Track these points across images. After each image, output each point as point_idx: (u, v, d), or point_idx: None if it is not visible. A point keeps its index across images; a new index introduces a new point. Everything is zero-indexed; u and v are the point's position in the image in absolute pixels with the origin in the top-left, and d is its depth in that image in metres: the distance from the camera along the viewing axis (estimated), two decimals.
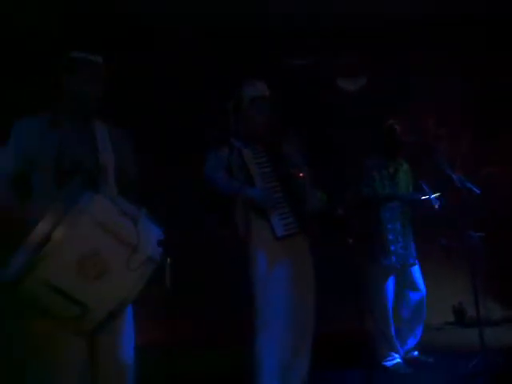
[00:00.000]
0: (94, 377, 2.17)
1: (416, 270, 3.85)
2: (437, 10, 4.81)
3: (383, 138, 3.87)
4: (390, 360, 3.73)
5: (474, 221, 3.61)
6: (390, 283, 3.76)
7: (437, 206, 3.69)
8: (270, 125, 3.08)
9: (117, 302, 1.84)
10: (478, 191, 3.52)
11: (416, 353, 3.88)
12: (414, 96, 5.05)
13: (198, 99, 4.69)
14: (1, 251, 1.93)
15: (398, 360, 3.74)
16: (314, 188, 3.00)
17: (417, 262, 3.82)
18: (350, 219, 3.08)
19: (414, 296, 3.83)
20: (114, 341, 2.19)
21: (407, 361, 3.79)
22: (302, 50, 5.10)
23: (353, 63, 5.26)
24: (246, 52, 4.83)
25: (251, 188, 2.93)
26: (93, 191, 1.91)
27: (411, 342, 3.88)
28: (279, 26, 4.81)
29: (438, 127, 5.11)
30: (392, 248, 3.72)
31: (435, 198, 3.70)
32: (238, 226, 3.03)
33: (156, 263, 1.94)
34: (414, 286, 3.83)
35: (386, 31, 4.99)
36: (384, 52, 5.10)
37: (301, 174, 2.97)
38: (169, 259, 2.08)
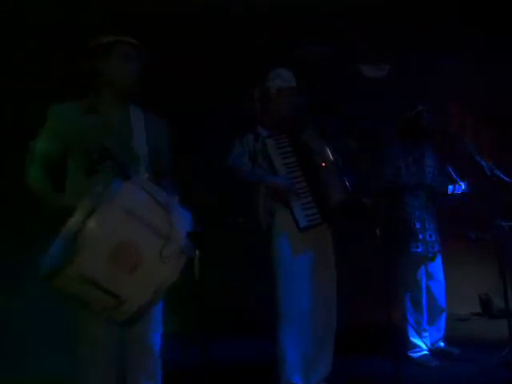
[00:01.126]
0: (123, 362, 2.21)
1: (439, 259, 3.80)
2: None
3: (410, 124, 3.80)
4: (417, 351, 3.69)
5: (503, 210, 3.54)
6: (421, 271, 3.71)
7: (465, 193, 3.63)
8: (296, 115, 3.05)
9: (150, 293, 1.81)
10: (508, 180, 3.44)
11: (442, 344, 3.83)
12: (440, 82, 4.95)
13: (218, 87, 4.66)
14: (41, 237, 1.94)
15: (425, 352, 3.70)
16: (340, 177, 2.94)
17: (436, 250, 3.75)
18: (376, 208, 3.03)
19: (435, 286, 3.79)
20: (142, 328, 2.19)
21: (434, 352, 3.74)
22: (322, 37, 5.04)
23: (375, 50, 5.19)
24: (264, 39, 4.79)
25: (275, 176, 2.91)
26: (123, 179, 1.87)
27: (436, 333, 3.82)
28: (297, 12, 4.75)
29: (464, 115, 5.02)
30: (420, 236, 3.67)
31: (463, 185, 3.64)
32: (261, 215, 3.02)
33: (189, 254, 1.92)
34: (435, 276, 3.79)
35: (409, 15, 4.91)
36: (407, 38, 5.01)
37: (323, 164, 2.93)
38: (197, 251, 2.06)
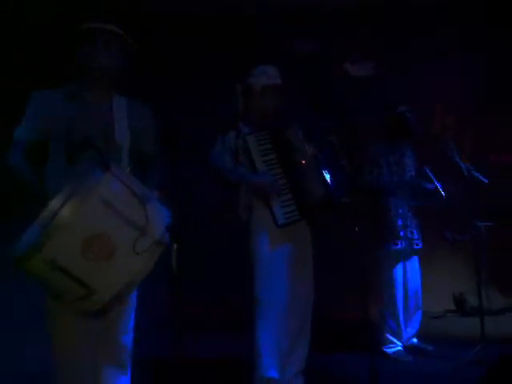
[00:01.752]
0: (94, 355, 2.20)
1: (416, 258, 3.86)
2: None
3: (392, 124, 3.84)
4: (391, 347, 3.75)
5: (480, 210, 3.60)
6: (400, 268, 3.77)
7: (443, 194, 3.67)
8: (279, 112, 3.05)
9: (122, 284, 1.80)
10: (485, 180, 3.50)
11: (415, 340, 3.89)
12: (421, 83, 4.99)
13: (203, 85, 4.65)
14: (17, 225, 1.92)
15: (400, 348, 3.76)
16: (319, 174, 2.95)
17: (419, 247, 3.80)
18: (356, 205, 3.06)
19: (413, 283, 3.84)
20: (113, 320, 2.20)
21: (407, 348, 3.80)
22: (307, 35, 5.04)
23: (360, 49, 5.21)
24: (250, 36, 4.78)
25: (254, 175, 2.91)
26: (102, 169, 1.85)
27: (410, 329, 3.88)
28: (284, 9, 4.75)
29: (446, 115, 5.07)
30: (401, 233, 3.72)
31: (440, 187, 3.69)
32: (241, 211, 3.03)
33: (164, 247, 1.90)
34: (412, 274, 3.84)
35: (393, 16, 4.93)
36: (392, 38, 5.04)
37: (303, 161, 2.94)
38: (175, 244, 2.06)
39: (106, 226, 1.77)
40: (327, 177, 2.92)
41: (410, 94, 4.77)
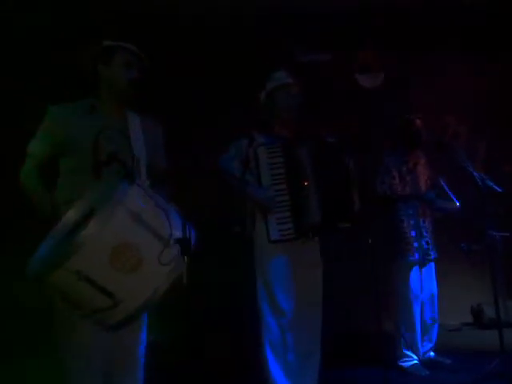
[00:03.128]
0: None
1: (433, 269, 3.81)
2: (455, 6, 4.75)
3: (402, 133, 3.83)
4: (407, 361, 3.68)
5: (495, 220, 3.55)
6: (416, 280, 3.71)
7: (457, 205, 3.64)
8: (290, 115, 3.05)
9: (148, 295, 1.81)
10: (499, 189, 3.46)
11: (433, 354, 3.83)
12: (433, 93, 4.97)
13: (210, 97, 4.67)
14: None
15: (416, 361, 3.69)
16: (321, 198, 2.90)
17: (434, 257, 3.75)
18: (369, 217, 3.03)
19: (428, 294, 3.79)
20: (127, 331, 2.14)
21: (424, 362, 3.73)
22: (317, 46, 5.06)
23: (370, 59, 5.21)
24: (259, 48, 4.80)
25: (256, 188, 2.92)
26: (129, 182, 1.89)
27: (427, 343, 3.82)
28: (293, 20, 4.76)
29: (458, 124, 5.04)
30: (415, 244, 3.68)
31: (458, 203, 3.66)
32: (247, 221, 3.04)
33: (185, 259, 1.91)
34: (428, 286, 3.79)
35: (404, 27, 4.93)
36: (402, 48, 5.04)
37: (306, 183, 2.92)
38: (186, 257, 2.05)
39: (134, 237, 1.80)
40: (328, 202, 2.89)
41: (421, 104, 4.75)
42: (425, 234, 3.71)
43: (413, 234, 3.70)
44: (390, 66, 5.19)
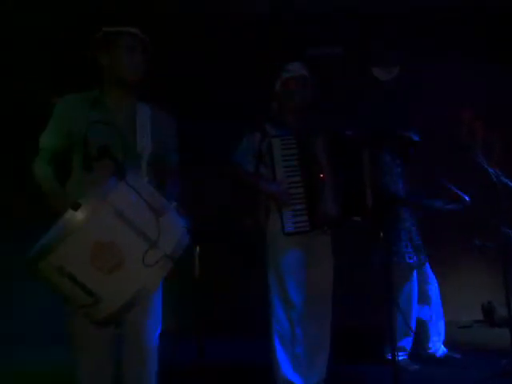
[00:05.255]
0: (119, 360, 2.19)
1: (428, 266, 3.80)
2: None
3: (401, 147, 3.82)
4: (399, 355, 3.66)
5: (509, 217, 3.51)
6: (415, 280, 3.70)
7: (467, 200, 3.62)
8: (303, 106, 3.03)
9: (130, 296, 1.77)
10: None
11: (445, 349, 3.81)
12: (448, 88, 4.92)
13: (224, 94, 4.66)
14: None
15: (405, 357, 3.68)
16: (337, 192, 2.89)
17: (427, 256, 3.75)
18: (372, 219, 3.01)
19: (432, 291, 3.78)
20: (139, 326, 2.18)
21: (437, 358, 3.73)
22: (331, 39, 5.03)
23: (386, 53, 5.17)
24: (271, 41, 4.78)
25: (268, 182, 2.90)
26: (118, 178, 1.83)
27: (438, 339, 3.80)
28: (306, 14, 4.74)
29: (474, 121, 4.99)
30: (410, 247, 3.68)
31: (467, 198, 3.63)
32: (260, 214, 3.02)
33: (175, 261, 1.85)
34: (429, 282, 3.78)
35: (420, 21, 4.89)
36: (419, 42, 4.99)
37: (322, 176, 2.90)
38: (198, 247, 2.05)
39: (117, 235, 1.75)
40: (343, 195, 2.88)
41: (437, 100, 4.71)
42: (414, 236, 3.71)
43: (411, 235, 3.70)
44: (403, 58, 5.15)
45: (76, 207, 1.73)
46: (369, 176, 2.96)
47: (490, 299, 4.85)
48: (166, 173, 2.33)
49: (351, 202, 2.89)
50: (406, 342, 3.69)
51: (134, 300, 1.78)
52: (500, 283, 3.44)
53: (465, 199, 3.62)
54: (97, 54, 2.24)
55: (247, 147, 3.00)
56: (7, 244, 4.26)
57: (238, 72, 4.68)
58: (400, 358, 3.63)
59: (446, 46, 5.00)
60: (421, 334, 3.76)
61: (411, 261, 3.67)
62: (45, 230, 1.84)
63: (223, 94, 4.71)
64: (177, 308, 2.81)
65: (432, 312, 3.78)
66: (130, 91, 2.27)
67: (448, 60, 5.00)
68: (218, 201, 4.30)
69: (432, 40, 4.99)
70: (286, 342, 2.88)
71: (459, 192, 3.64)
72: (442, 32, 4.97)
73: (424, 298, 3.77)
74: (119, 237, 1.75)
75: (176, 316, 3.05)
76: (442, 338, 3.82)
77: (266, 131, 2.97)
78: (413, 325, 3.68)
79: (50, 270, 1.71)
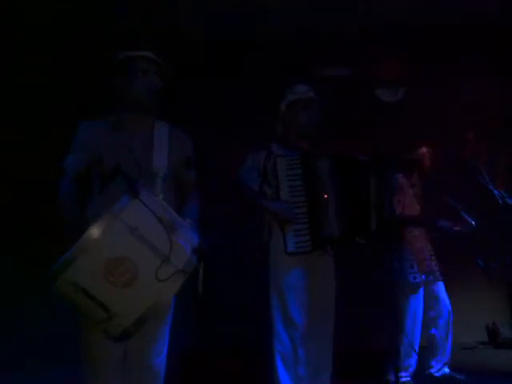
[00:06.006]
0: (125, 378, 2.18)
1: (441, 286, 3.79)
2: (476, 21, 4.74)
3: (413, 164, 3.89)
4: (402, 375, 3.65)
5: None
6: (418, 301, 3.69)
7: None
8: (309, 129, 3.05)
9: (143, 310, 1.80)
10: None
11: (447, 369, 3.79)
12: (452, 110, 4.95)
13: (232, 112, 4.69)
14: None
15: (409, 378, 3.67)
16: (340, 213, 2.89)
17: (442, 277, 3.76)
18: (376, 238, 3.01)
19: (441, 312, 3.76)
20: (144, 348, 2.18)
21: (438, 378, 3.71)
22: (338, 61, 5.07)
23: (391, 75, 5.21)
24: (281, 62, 4.82)
25: (272, 201, 2.90)
26: (130, 195, 1.87)
27: (441, 358, 3.78)
28: (315, 36, 4.78)
29: (478, 142, 5.00)
30: (417, 267, 3.68)
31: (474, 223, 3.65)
32: (263, 233, 3.02)
33: (187, 275, 1.89)
34: (440, 302, 3.76)
35: (424, 42, 4.93)
36: (422, 64, 5.03)
37: (325, 196, 2.91)
38: (202, 265, 2.06)
39: (130, 252, 1.79)
40: (347, 217, 2.88)
41: (440, 120, 4.74)
42: (427, 256, 3.73)
43: (420, 255, 3.70)
44: (407, 80, 5.19)
45: None
46: (374, 199, 2.97)
47: (494, 320, 4.83)
48: (184, 190, 2.37)
49: (355, 224, 2.90)
50: (410, 362, 3.67)
51: (147, 314, 1.81)
52: (503, 304, 3.44)
53: (470, 223, 3.64)
54: (113, 78, 2.31)
55: (252, 165, 3.00)
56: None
57: (244, 90, 4.71)
58: (403, 379, 3.64)
59: (446, 68, 5.04)
60: (425, 353, 3.75)
61: (416, 280, 3.66)
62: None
63: (229, 114, 4.75)
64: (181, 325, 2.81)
65: (439, 333, 3.76)
66: (147, 112, 2.32)
67: (448, 82, 5.04)
68: (223, 221, 4.30)
69: (431, 63, 5.03)
70: (289, 362, 2.85)
71: (465, 215, 3.66)
72: (445, 53, 5.01)
73: (431, 320, 3.76)
74: (132, 252, 1.79)
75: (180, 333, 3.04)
76: (446, 359, 3.79)
77: (272, 150, 3.00)
78: (416, 344, 3.66)
79: (65, 287, 1.75)
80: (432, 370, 3.78)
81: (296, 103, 3.05)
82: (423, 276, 3.69)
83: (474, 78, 5.02)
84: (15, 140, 4.27)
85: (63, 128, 2.38)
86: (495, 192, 3.42)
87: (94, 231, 1.75)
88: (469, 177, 3.61)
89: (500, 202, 3.40)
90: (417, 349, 3.67)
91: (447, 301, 3.79)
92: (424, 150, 3.91)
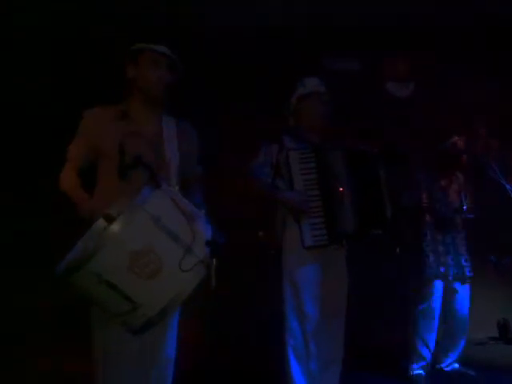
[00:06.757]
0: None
1: (467, 285, 3.75)
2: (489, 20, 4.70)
3: (444, 154, 3.82)
4: (414, 368, 3.69)
5: None
6: (437, 297, 3.67)
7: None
8: (322, 123, 3.05)
9: (167, 301, 1.82)
10: None
11: (457, 365, 3.81)
12: (465, 104, 4.92)
13: (242, 106, 4.68)
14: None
15: (421, 371, 3.68)
16: (355, 206, 2.92)
17: (468, 276, 3.72)
18: (397, 229, 3.01)
19: (461, 310, 3.75)
20: (158, 338, 2.22)
21: (448, 374, 3.73)
22: (347, 54, 5.04)
23: (402, 68, 5.18)
24: (288, 54, 4.80)
25: (291, 192, 2.90)
26: (153, 186, 1.90)
27: (452, 355, 3.80)
28: (323, 27, 4.75)
29: (490, 137, 4.97)
30: (441, 259, 3.66)
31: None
32: (277, 226, 3.03)
33: (207, 267, 1.92)
34: (461, 300, 3.75)
35: (435, 36, 4.89)
36: (434, 58, 5.00)
37: (341, 189, 2.91)
38: (215, 260, 2.07)
39: (154, 242, 1.80)
40: (362, 209, 2.90)
41: (451, 116, 4.71)
42: (451, 250, 3.69)
43: (439, 249, 3.67)
44: (417, 75, 5.16)
45: (109, 218, 1.79)
46: (386, 189, 2.97)
47: (506, 316, 4.81)
48: (190, 183, 2.40)
49: (370, 215, 2.90)
50: (423, 356, 3.68)
51: (171, 305, 1.84)
52: None
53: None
54: (125, 69, 2.33)
55: (264, 159, 3.01)
56: None
57: (253, 83, 4.70)
58: (415, 372, 3.64)
59: (458, 61, 5.00)
60: (437, 348, 3.75)
61: (435, 273, 3.63)
62: None
63: (238, 105, 4.74)
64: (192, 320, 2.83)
65: (455, 330, 3.76)
66: (156, 105, 2.35)
67: (460, 75, 5.00)
68: (232, 213, 4.31)
69: (443, 54, 4.99)
70: (301, 356, 2.87)
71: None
72: (456, 47, 4.97)
73: (449, 315, 3.75)
74: (156, 243, 1.80)
75: (192, 326, 3.06)
76: (457, 355, 3.80)
77: (284, 143, 2.99)
78: (432, 338, 3.66)
79: (87, 279, 1.76)
80: (442, 365, 3.80)
81: (308, 96, 3.05)
82: (442, 269, 3.65)
83: (485, 77, 4.99)
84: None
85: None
86: (507, 187, 3.39)
87: (120, 222, 1.76)
88: (482, 172, 3.59)
89: (511, 195, 3.38)
90: (430, 344, 3.66)
91: (467, 301, 3.76)
92: (455, 139, 3.83)
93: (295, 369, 2.87)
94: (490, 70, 4.97)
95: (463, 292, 3.74)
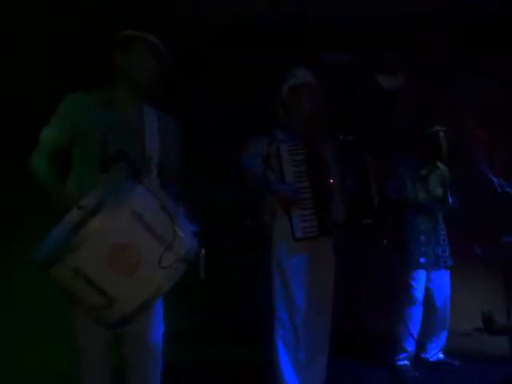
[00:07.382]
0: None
1: (445, 274, 3.79)
2: (478, 9, 4.70)
3: (426, 144, 3.84)
4: (399, 359, 3.71)
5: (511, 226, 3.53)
6: (421, 286, 3.70)
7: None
8: (312, 114, 3.04)
9: (144, 297, 1.80)
10: None
11: (442, 355, 3.85)
12: (453, 96, 4.94)
13: (230, 96, 4.67)
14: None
15: (406, 362, 3.71)
16: (346, 197, 2.93)
17: (450, 264, 3.76)
18: (383, 220, 3.03)
19: (440, 301, 3.79)
20: (142, 326, 2.20)
21: (432, 364, 3.76)
22: (340, 46, 5.03)
23: (392, 61, 5.18)
24: (283, 46, 4.78)
25: (281, 184, 2.90)
26: (135, 182, 1.86)
27: (436, 345, 3.83)
28: (318, 20, 4.74)
29: (477, 129, 5.00)
30: (423, 249, 3.68)
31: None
32: (266, 216, 3.03)
33: (188, 263, 1.89)
34: (440, 291, 3.78)
35: (425, 29, 4.89)
36: (423, 50, 5.00)
37: (331, 181, 2.92)
38: (203, 250, 2.07)
39: (135, 238, 1.77)
40: (352, 199, 2.91)
41: (438, 107, 4.72)
42: (432, 240, 3.72)
43: (422, 239, 3.70)
44: (406, 65, 5.16)
45: (86, 211, 1.76)
46: (374, 178, 2.98)
47: (491, 307, 4.86)
48: (168, 176, 2.36)
49: (360, 205, 2.91)
50: (409, 345, 3.70)
51: (148, 301, 1.81)
52: (499, 292, 3.46)
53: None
54: (112, 54, 2.28)
55: (255, 152, 3.00)
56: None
57: (246, 76, 4.68)
58: (400, 362, 3.68)
59: (445, 57, 5.01)
60: (423, 336, 3.78)
61: (420, 261, 3.65)
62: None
63: (226, 96, 4.72)
64: (183, 310, 2.83)
65: (436, 320, 3.79)
66: (140, 94, 2.31)
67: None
68: (218, 202, 4.30)
69: (432, 51, 5.00)
70: (290, 347, 2.89)
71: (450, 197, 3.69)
72: (442, 44, 4.98)
73: (430, 306, 3.78)
74: (137, 239, 1.77)
75: (182, 318, 3.06)
76: (441, 345, 3.84)
77: (275, 135, 2.99)
78: (416, 328, 3.69)
79: (64, 272, 1.72)
80: (427, 355, 3.83)
81: (299, 87, 3.03)
82: (422, 259, 3.67)
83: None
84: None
85: None
86: (494, 180, 3.42)
87: (101, 217, 1.72)
88: (468, 165, 3.60)
89: (499, 190, 3.40)
90: (415, 333, 3.70)
91: (448, 290, 3.81)
92: (437, 129, 3.87)
93: (284, 360, 2.89)
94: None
95: (443, 282, 3.78)
